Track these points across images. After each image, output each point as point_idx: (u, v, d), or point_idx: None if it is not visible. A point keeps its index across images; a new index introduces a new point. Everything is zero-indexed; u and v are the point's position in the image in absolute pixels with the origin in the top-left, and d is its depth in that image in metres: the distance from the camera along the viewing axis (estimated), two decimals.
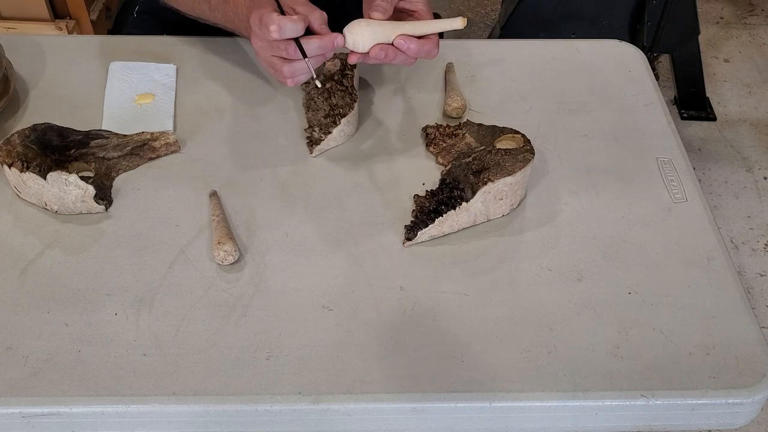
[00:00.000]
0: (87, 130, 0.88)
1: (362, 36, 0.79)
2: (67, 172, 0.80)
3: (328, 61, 0.96)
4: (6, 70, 0.93)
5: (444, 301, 0.75)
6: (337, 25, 0.82)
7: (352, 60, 0.82)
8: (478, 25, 2.43)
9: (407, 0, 0.84)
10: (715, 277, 0.79)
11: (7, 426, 0.68)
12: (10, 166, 0.80)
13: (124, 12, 1.24)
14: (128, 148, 0.87)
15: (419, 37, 0.81)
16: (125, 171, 0.87)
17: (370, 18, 0.80)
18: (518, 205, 0.85)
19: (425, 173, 0.88)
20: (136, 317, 0.73)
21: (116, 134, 0.88)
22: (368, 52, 0.80)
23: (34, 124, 0.85)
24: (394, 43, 0.80)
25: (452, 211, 0.80)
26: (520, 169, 0.81)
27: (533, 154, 0.83)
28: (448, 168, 0.86)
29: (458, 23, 0.83)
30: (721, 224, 1.90)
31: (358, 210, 0.84)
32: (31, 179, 0.80)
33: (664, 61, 2.30)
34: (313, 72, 0.81)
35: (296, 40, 0.78)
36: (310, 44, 0.79)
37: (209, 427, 0.69)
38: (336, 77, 0.93)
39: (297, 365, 0.70)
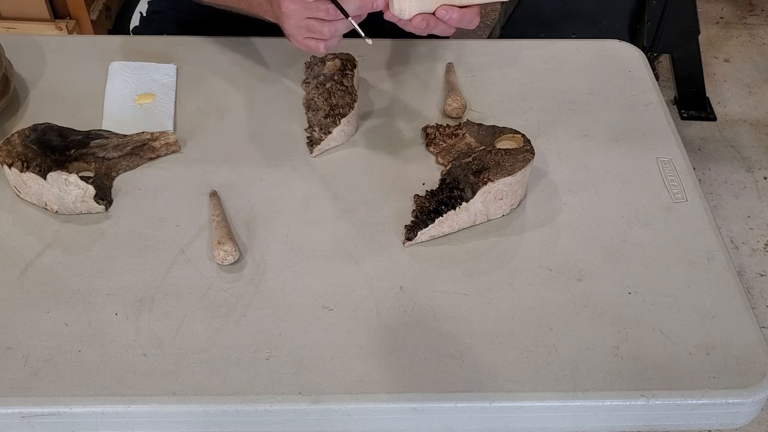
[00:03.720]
0: (87, 130, 0.88)
1: (409, 2, 0.78)
2: (67, 172, 0.80)
3: (328, 60, 0.96)
4: (6, 70, 0.93)
5: (444, 301, 0.75)
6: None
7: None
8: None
9: None
10: (715, 277, 0.79)
11: (7, 426, 0.68)
12: (10, 166, 0.80)
13: (124, 12, 1.24)
14: (128, 148, 0.87)
15: (461, 7, 0.80)
16: (125, 171, 0.87)
17: None
18: (518, 205, 0.85)
19: (425, 173, 0.88)
20: (136, 317, 0.73)
21: (116, 134, 0.88)
22: (410, 21, 0.79)
23: (34, 124, 0.85)
24: (437, 14, 0.79)
25: (452, 211, 0.80)
26: (520, 169, 0.81)
27: (533, 154, 0.83)
28: (448, 168, 0.86)
29: None
30: (721, 224, 1.90)
31: (358, 210, 0.84)
32: (31, 179, 0.80)
33: (664, 61, 2.30)
34: (359, 29, 0.79)
35: (334, 0, 0.77)
36: (349, 3, 0.78)
37: (209, 427, 0.69)
38: (336, 77, 0.93)
39: (297, 365, 0.70)
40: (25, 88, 0.97)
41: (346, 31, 0.81)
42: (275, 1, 0.83)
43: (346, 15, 0.78)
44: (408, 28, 0.80)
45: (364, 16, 0.81)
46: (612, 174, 0.89)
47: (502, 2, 2.05)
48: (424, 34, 0.81)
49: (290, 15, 0.81)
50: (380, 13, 0.81)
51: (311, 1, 0.78)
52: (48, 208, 0.82)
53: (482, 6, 0.82)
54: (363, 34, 0.80)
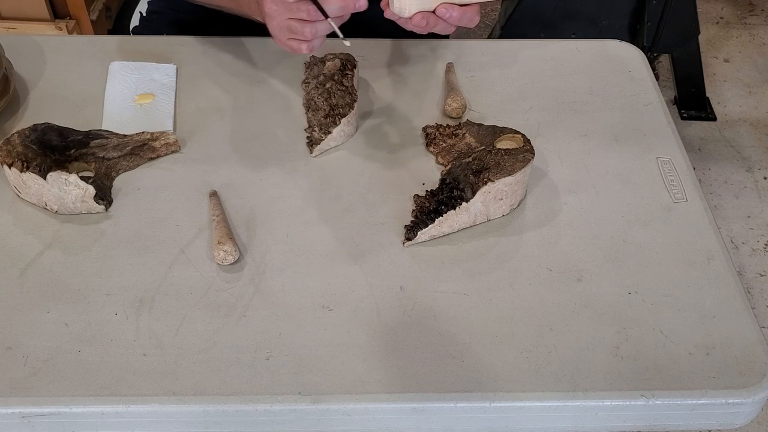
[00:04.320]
0: (87, 130, 0.88)
1: (409, 0, 0.77)
2: (67, 172, 0.80)
3: (328, 60, 0.96)
4: (6, 70, 0.93)
5: (444, 301, 0.75)
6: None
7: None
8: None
9: None
10: (715, 277, 0.79)
11: (7, 426, 0.68)
12: (10, 166, 0.80)
13: (124, 12, 1.25)
14: (128, 148, 0.87)
15: (461, 5, 0.79)
16: (125, 171, 0.87)
17: None
18: (518, 205, 0.85)
19: (425, 173, 0.88)
20: (136, 317, 0.73)
21: (116, 134, 0.88)
22: (410, 19, 0.78)
23: (34, 124, 0.85)
24: (437, 12, 0.78)
25: (452, 211, 0.80)
26: (520, 169, 0.81)
27: (533, 154, 0.83)
28: (448, 168, 0.86)
29: None
30: (721, 224, 1.90)
31: (358, 210, 0.84)
32: (31, 179, 0.80)
33: (664, 61, 2.30)
34: (338, 31, 0.79)
35: (314, 1, 0.77)
36: (331, 4, 0.78)
37: (209, 427, 0.69)
38: (336, 77, 0.93)
39: (297, 365, 0.70)
40: (25, 88, 0.97)
41: (328, 32, 0.81)
42: (260, 1, 0.84)
43: (326, 16, 0.78)
44: (408, 27, 0.80)
45: (347, 17, 0.81)
46: (612, 174, 0.89)
47: (502, 1, 2.05)
48: (425, 33, 0.81)
49: (273, 16, 0.81)
50: (381, 12, 0.81)
51: (292, 2, 0.78)
52: (48, 208, 0.82)
53: (482, 5, 0.82)
54: (341, 36, 0.80)
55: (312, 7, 0.78)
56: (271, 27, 0.83)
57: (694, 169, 0.96)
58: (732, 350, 0.72)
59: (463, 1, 0.79)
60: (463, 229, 0.82)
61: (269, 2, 0.80)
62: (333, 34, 0.82)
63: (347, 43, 0.81)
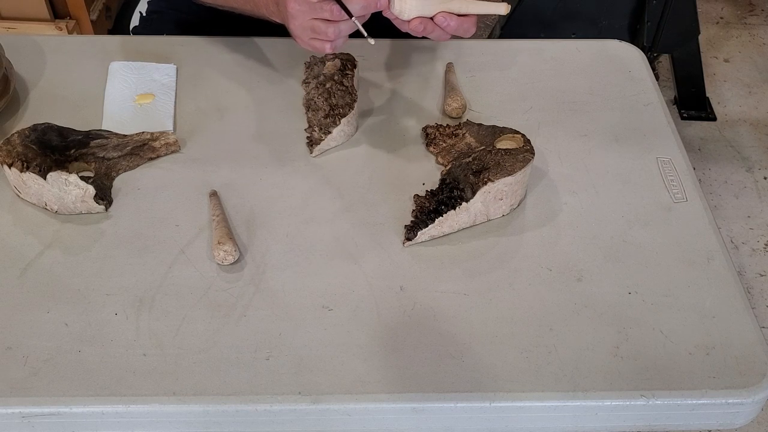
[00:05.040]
0: (87, 130, 0.88)
1: (410, 4, 0.78)
2: (67, 172, 0.80)
3: (328, 60, 0.96)
4: (6, 70, 0.93)
5: (444, 301, 0.75)
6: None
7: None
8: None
9: None
10: (715, 277, 0.79)
11: (7, 426, 0.68)
12: (10, 166, 0.80)
13: (124, 12, 1.25)
14: (128, 148, 0.87)
15: (459, 16, 0.80)
16: (125, 171, 0.87)
17: None
18: (518, 205, 0.85)
19: (425, 173, 0.88)
20: (136, 317, 0.73)
21: (116, 134, 0.88)
22: (408, 22, 0.79)
23: (34, 124, 0.85)
24: (436, 20, 0.79)
25: (452, 211, 0.80)
26: (520, 169, 0.81)
27: (533, 154, 0.83)
28: (448, 168, 0.86)
29: (502, 9, 0.81)
30: (721, 224, 1.90)
31: (358, 210, 0.84)
32: (31, 179, 0.80)
33: (664, 61, 2.30)
34: (363, 30, 0.80)
35: (338, 0, 0.78)
36: (354, 4, 0.78)
37: (209, 427, 0.69)
38: (336, 77, 0.93)
39: (297, 365, 0.70)
40: (25, 88, 0.97)
41: (350, 32, 0.81)
42: (281, 1, 0.83)
43: (350, 15, 0.78)
44: (404, 29, 0.81)
45: (367, 17, 0.81)
46: (612, 174, 0.89)
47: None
48: (419, 36, 0.81)
49: (295, 16, 0.81)
50: (378, 12, 0.82)
51: (316, 2, 0.78)
52: (48, 208, 0.82)
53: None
54: (366, 35, 0.80)
55: (336, 7, 0.78)
56: (293, 27, 0.83)
57: (694, 169, 0.97)
58: (732, 350, 0.72)
59: (461, 12, 0.80)
60: (463, 229, 0.82)
61: (293, 2, 0.80)
62: (353, 34, 0.82)
63: (372, 41, 0.81)
